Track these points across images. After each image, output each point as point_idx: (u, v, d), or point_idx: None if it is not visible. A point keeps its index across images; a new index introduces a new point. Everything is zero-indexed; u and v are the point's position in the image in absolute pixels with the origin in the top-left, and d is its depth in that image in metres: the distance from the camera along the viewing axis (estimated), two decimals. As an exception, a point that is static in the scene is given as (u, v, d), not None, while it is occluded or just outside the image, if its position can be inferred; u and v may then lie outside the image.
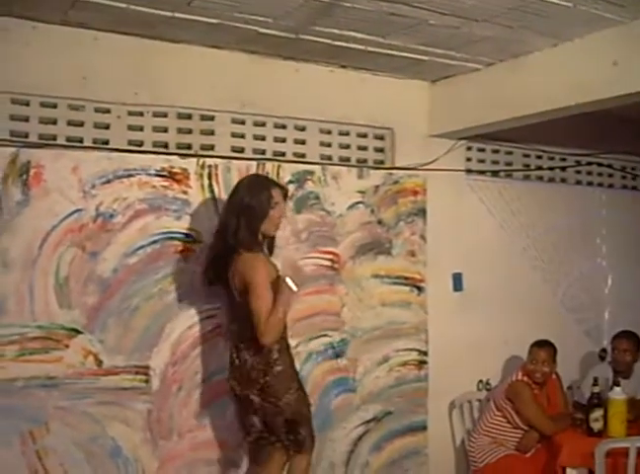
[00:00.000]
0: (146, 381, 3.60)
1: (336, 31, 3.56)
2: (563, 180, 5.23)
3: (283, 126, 4.08)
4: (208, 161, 3.78)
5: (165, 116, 3.73)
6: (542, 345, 4.26)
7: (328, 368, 4.12)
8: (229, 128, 3.90)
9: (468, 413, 4.65)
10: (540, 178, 5.13)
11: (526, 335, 4.42)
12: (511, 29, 3.51)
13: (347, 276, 4.19)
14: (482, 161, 4.84)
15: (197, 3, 3.20)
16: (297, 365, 3.87)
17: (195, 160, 3.75)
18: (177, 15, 3.32)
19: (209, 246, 3.54)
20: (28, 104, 3.42)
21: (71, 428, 3.42)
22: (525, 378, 4.22)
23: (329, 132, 4.24)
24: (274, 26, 3.48)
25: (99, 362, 3.49)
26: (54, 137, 3.48)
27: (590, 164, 5.32)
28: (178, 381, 3.68)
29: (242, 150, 3.94)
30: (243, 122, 3.94)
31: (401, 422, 4.37)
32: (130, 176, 3.58)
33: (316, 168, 4.12)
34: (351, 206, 4.22)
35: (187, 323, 3.70)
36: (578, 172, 5.30)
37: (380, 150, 4.43)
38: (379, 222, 4.31)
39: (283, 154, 4.07)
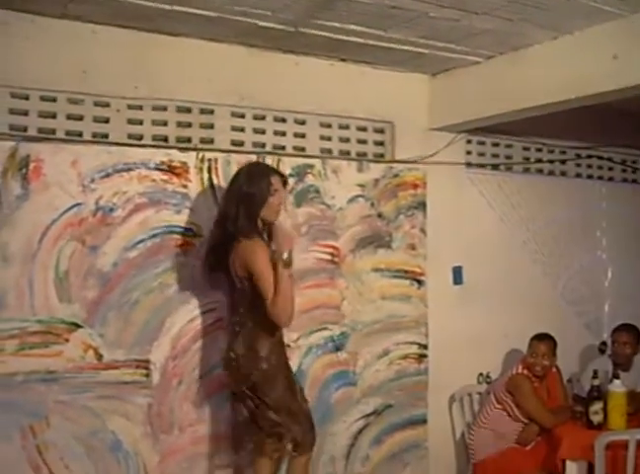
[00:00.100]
0: (147, 375, 3.60)
1: (336, 24, 3.55)
2: (563, 173, 5.23)
3: (283, 120, 4.07)
4: (208, 155, 3.77)
5: (164, 109, 3.72)
6: (542, 338, 4.26)
7: (328, 362, 4.12)
8: (229, 122, 3.90)
9: (468, 406, 4.66)
10: (540, 171, 5.13)
11: (527, 328, 4.43)
12: (511, 21, 3.50)
13: (347, 269, 4.19)
14: (482, 154, 4.84)
15: (196, -4, 3.20)
16: (297, 359, 3.91)
17: (194, 154, 3.74)
18: (175, 8, 3.31)
19: (210, 234, 3.55)
20: (27, 98, 3.41)
21: (71, 422, 3.42)
22: (526, 371, 4.23)
23: (329, 126, 4.23)
24: (273, 19, 3.47)
25: (99, 356, 3.49)
26: (54, 131, 3.47)
27: (590, 157, 5.32)
28: (178, 375, 3.68)
29: (242, 144, 3.93)
30: (243, 116, 3.94)
31: (401, 415, 4.37)
32: (130, 170, 3.58)
33: (316, 161, 4.11)
34: (351, 200, 4.22)
35: (187, 317, 3.70)
36: (578, 165, 5.29)
37: (380, 143, 4.43)
38: (379, 216, 4.31)
39: (283, 148, 4.06)
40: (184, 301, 3.70)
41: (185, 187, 3.70)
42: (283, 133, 4.07)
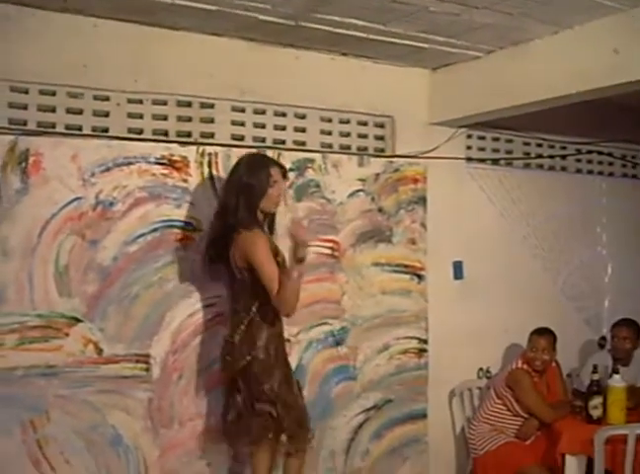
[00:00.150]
0: (147, 369, 3.59)
1: (336, 18, 3.55)
2: (563, 168, 5.24)
3: (284, 114, 4.07)
4: (208, 149, 3.76)
5: (165, 103, 3.72)
6: (542, 333, 4.27)
7: (328, 356, 4.12)
8: (229, 116, 3.89)
9: (468, 401, 4.67)
10: (541, 166, 5.12)
11: (527, 323, 4.42)
12: (511, 16, 3.50)
13: (347, 263, 4.18)
14: (482, 149, 4.84)
15: (196, -10, 3.20)
16: (298, 354, 3.91)
17: (195, 148, 3.73)
18: (176, 1, 3.31)
19: (210, 226, 3.55)
20: (27, 91, 3.41)
21: (71, 416, 3.42)
22: (525, 366, 4.23)
23: (329, 120, 4.23)
24: (273, 13, 3.47)
25: (99, 351, 3.48)
26: (53, 125, 3.47)
27: (590, 152, 5.31)
28: (178, 369, 3.68)
29: (242, 138, 3.93)
30: (243, 110, 3.93)
31: (401, 410, 4.37)
32: (130, 164, 3.57)
33: (316, 156, 4.11)
34: (351, 194, 4.21)
35: (187, 311, 3.70)
36: (578, 160, 5.30)
37: (381, 138, 4.43)
38: (380, 210, 4.31)
39: (284, 142, 4.06)
40: (184, 296, 3.69)
41: (185, 181, 3.70)
42: (284, 128, 4.07)
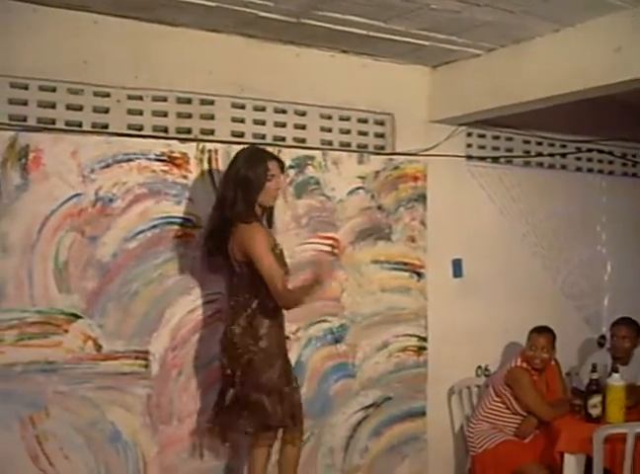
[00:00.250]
0: (146, 366, 3.59)
1: (337, 15, 3.54)
2: (563, 166, 5.23)
3: (284, 111, 4.06)
4: (208, 146, 3.76)
5: (165, 100, 3.71)
6: (542, 331, 4.26)
7: (327, 354, 4.12)
8: (229, 113, 3.89)
9: (467, 399, 4.67)
10: (541, 164, 5.12)
11: (526, 321, 4.42)
12: (512, 14, 3.49)
13: (346, 261, 4.18)
14: (482, 147, 4.84)
15: (196, -14, 3.19)
16: (297, 351, 3.91)
17: (194, 145, 3.73)
18: (176, -2, 3.31)
19: (208, 219, 3.55)
20: (26, 87, 3.40)
21: (71, 412, 3.42)
22: (525, 364, 4.23)
23: (329, 117, 4.22)
24: (274, 9, 3.46)
25: (98, 347, 3.48)
26: (53, 121, 3.46)
27: (590, 151, 5.31)
28: (178, 366, 3.68)
29: (242, 135, 3.92)
30: (243, 107, 3.93)
31: (400, 407, 4.38)
32: (130, 160, 3.57)
33: (316, 153, 4.11)
34: (351, 192, 4.21)
35: (187, 308, 3.70)
36: (578, 158, 5.29)
37: (381, 136, 4.42)
38: (379, 208, 4.31)
39: (284, 139, 4.05)
40: (183, 292, 3.69)
41: (185, 177, 3.70)
42: (284, 125, 4.07)
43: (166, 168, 3.66)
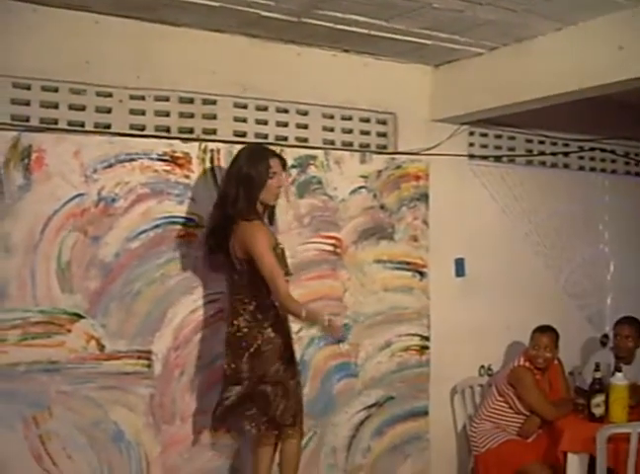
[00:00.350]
0: (148, 366, 3.60)
1: (338, 14, 3.53)
2: (566, 165, 5.22)
3: (286, 111, 4.06)
4: (211, 145, 3.76)
5: (167, 99, 3.71)
6: (544, 330, 4.26)
7: (330, 353, 4.12)
8: (231, 113, 3.89)
9: (470, 398, 4.66)
10: (543, 163, 5.11)
11: (529, 320, 4.42)
12: (514, 12, 3.48)
13: (349, 260, 4.18)
14: (485, 146, 4.83)
15: (198, -14, 3.19)
16: (300, 351, 3.90)
17: (197, 144, 3.73)
18: (179, -2, 3.31)
19: (209, 217, 3.56)
20: (29, 88, 3.40)
21: (74, 412, 3.43)
22: (527, 364, 4.22)
23: (331, 117, 4.22)
24: (276, 9, 3.45)
25: (101, 347, 3.49)
26: (56, 121, 3.46)
27: (593, 149, 5.30)
28: (180, 366, 3.68)
29: (244, 134, 3.92)
30: (245, 107, 3.93)
31: (403, 407, 4.37)
32: (132, 160, 3.57)
33: (319, 152, 4.11)
34: (353, 191, 4.21)
35: (189, 308, 3.70)
36: (581, 157, 5.28)
37: (383, 135, 4.42)
38: (382, 207, 4.30)
39: (286, 138, 4.05)
40: (186, 292, 3.70)
41: (187, 177, 3.70)
42: (286, 124, 4.06)
43: (168, 168, 3.66)
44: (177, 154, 3.68)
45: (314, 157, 4.08)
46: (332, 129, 4.23)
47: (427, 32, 3.78)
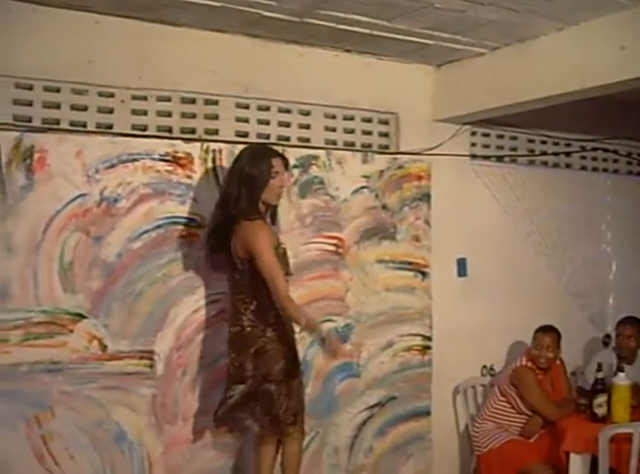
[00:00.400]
0: (151, 366, 3.60)
1: (340, 14, 3.53)
2: (568, 165, 5.22)
3: (288, 111, 4.06)
4: (213, 145, 3.76)
5: (169, 100, 3.71)
6: (547, 330, 4.26)
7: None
8: (233, 113, 3.89)
9: (472, 398, 4.66)
10: (545, 163, 5.11)
11: (531, 320, 4.42)
12: (516, 12, 3.48)
13: (351, 260, 4.18)
14: (487, 146, 4.83)
15: (199, -15, 3.19)
16: (302, 351, 3.88)
17: (199, 144, 3.73)
18: (181, -3, 3.31)
19: (211, 216, 3.56)
20: (31, 88, 3.40)
21: (76, 412, 3.43)
22: (530, 364, 4.22)
23: (333, 117, 4.22)
24: (278, 9, 3.46)
25: (103, 347, 3.49)
26: (58, 122, 3.46)
27: (595, 149, 5.30)
28: (182, 366, 3.68)
29: (246, 135, 3.92)
30: (247, 107, 3.93)
31: (405, 407, 4.37)
32: (134, 160, 3.57)
33: (321, 153, 4.11)
34: (355, 191, 4.21)
35: (191, 308, 3.70)
36: (583, 157, 5.28)
37: (385, 135, 4.42)
38: (384, 207, 4.30)
39: (288, 139, 4.05)
40: (188, 292, 3.70)
41: (189, 177, 3.70)
42: (288, 124, 4.07)
43: (170, 168, 3.66)
44: (179, 154, 3.68)
45: (316, 157, 4.08)
46: (334, 129, 4.23)
47: (429, 32, 3.78)
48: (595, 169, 5.36)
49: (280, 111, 4.04)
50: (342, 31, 3.76)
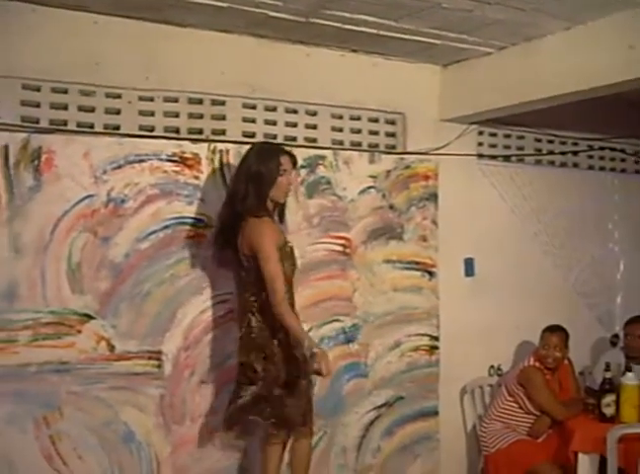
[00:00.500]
0: (159, 366, 3.60)
1: (347, 14, 3.53)
2: (575, 164, 5.20)
3: (295, 111, 4.06)
4: (220, 146, 3.77)
5: (176, 101, 3.72)
6: (554, 330, 4.25)
7: (340, 353, 4.11)
8: (240, 113, 3.89)
9: (479, 398, 4.65)
10: (552, 162, 5.10)
11: (538, 320, 4.41)
12: (523, 12, 3.47)
13: (358, 261, 4.18)
14: (494, 146, 4.82)
15: (206, -14, 3.20)
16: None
17: (206, 145, 3.74)
18: (187, -2, 3.31)
19: (218, 215, 3.57)
20: (39, 89, 3.41)
21: (84, 413, 3.44)
22: (537, 364, 4.21)
23: (340, 117, 4.22)
24: (284, 9, 3.46)
25: (111, 348, 3.50)
26: (65, 123, 3.47)
27: (602, 149, 5.28)
28: (190, 366, 3.69)
29: (253, 135, 3.92)
30: (254, 107, 3.93)
31: (412, 407, 4.37)
32: (142, 161, 3.58)
33: (328, 153, 4.11)
34: (362, 191, 4.21)
35: (199, 308, 3.71)
36: (590, 157, 5.26)
37: (392, 135, 4.41)
38: (391, 207, 4.30)
39: (295, 139, 4.05)
40: (195, 292, 3.70)
41: (196, 178, 3.71)
42: (295, 125, 4.07)
43: (177, 168, 3.66)
44: (186, 155, 3.68)
45: (323, 157, 4.08)
46: (341, 130, 4.23)
47: (436, 31, 3.78)
48: (602, 168, 5.34)
49: (287, 111, 4.04)
50: (348, 31, 3.75)
